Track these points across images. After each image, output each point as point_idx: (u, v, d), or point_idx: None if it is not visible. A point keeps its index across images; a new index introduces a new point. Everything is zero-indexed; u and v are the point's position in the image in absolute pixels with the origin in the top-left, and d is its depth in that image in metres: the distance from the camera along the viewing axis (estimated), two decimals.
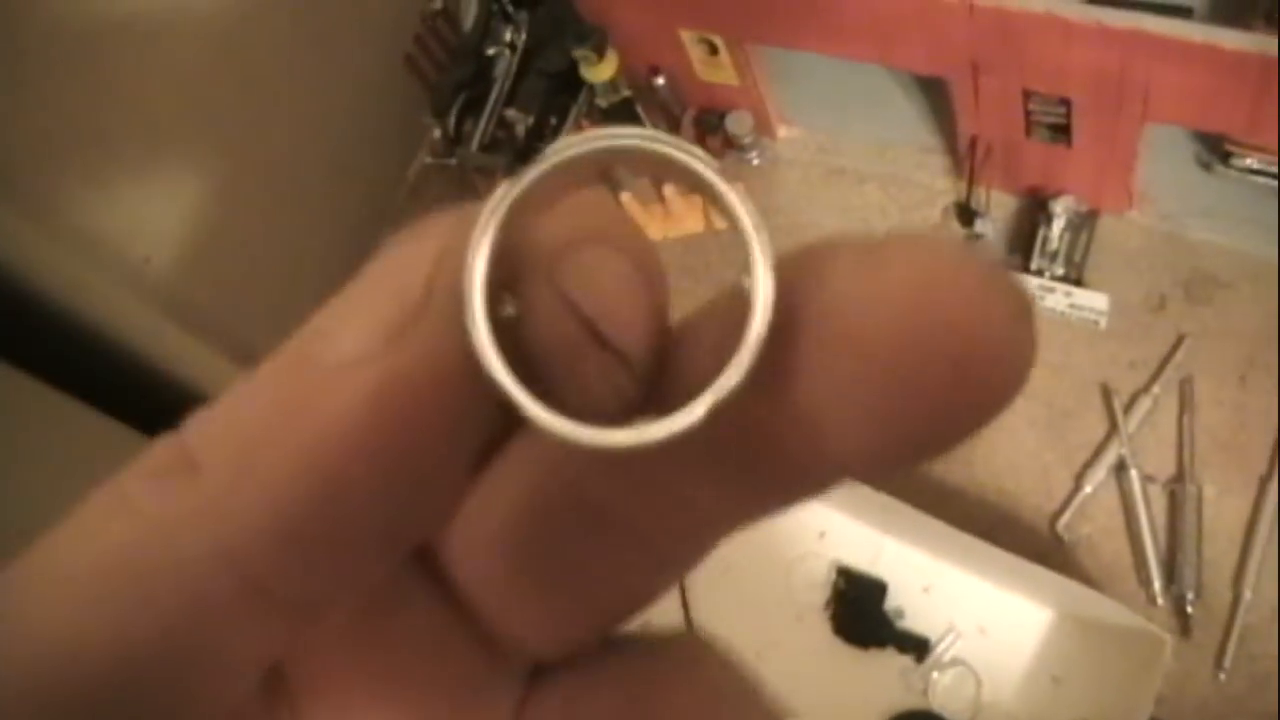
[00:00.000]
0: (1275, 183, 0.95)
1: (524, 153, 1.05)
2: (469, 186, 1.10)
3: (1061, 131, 0.94)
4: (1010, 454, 0.98)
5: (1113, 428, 0.97)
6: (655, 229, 1.07)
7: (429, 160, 1.10)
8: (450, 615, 0.21)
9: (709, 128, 1.06)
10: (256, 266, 1.12)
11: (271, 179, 1.09)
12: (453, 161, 1.09)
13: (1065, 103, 0.90)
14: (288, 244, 1.13)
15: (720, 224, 1.07)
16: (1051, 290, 0.98)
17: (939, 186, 1.05)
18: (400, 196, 1.15)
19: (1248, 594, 0.93)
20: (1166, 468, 0.96)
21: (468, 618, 0.21)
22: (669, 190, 1.04)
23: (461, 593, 0.21)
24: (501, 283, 0.18)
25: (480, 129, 1.06)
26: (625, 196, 1.05)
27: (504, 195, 0.18)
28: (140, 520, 0.17)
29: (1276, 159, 0.93)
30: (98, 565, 0.17)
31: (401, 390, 0.17)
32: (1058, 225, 0.98)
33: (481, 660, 0.21)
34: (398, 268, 0.18)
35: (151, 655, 0.17)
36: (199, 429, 0.18)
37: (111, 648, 0.17)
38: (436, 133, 1.08)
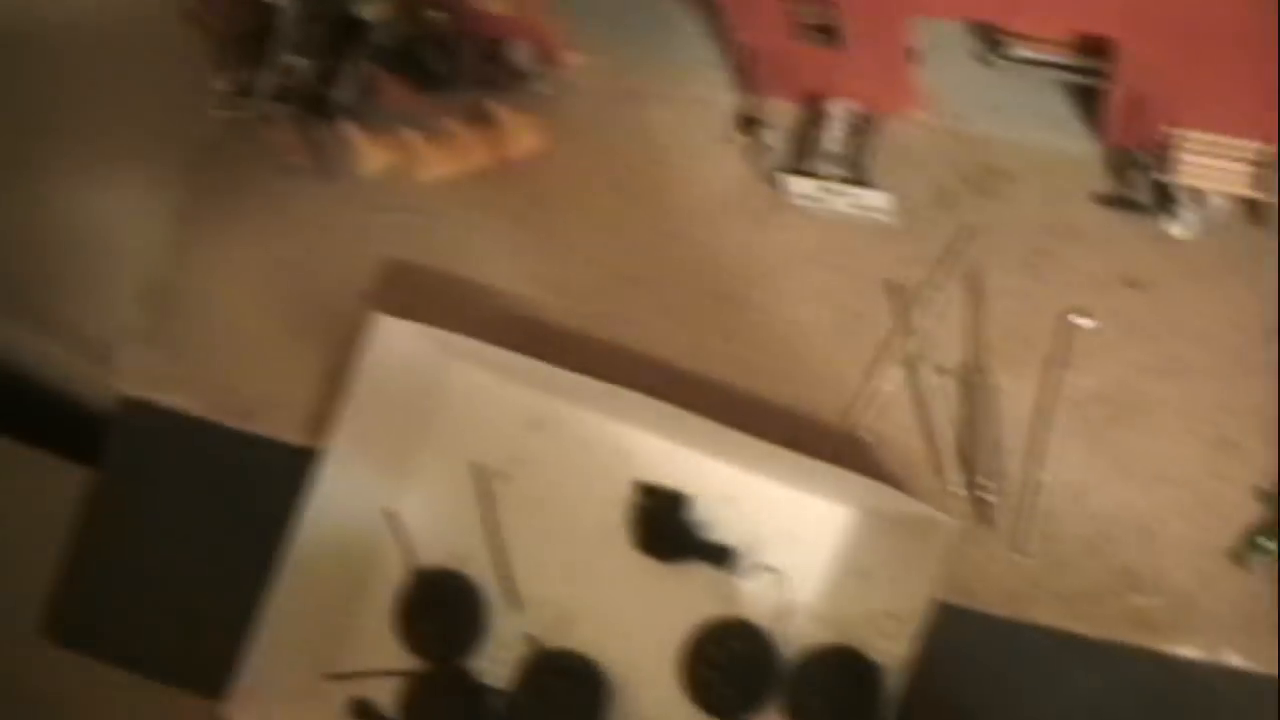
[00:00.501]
0: (1052, 73, 0.95)
1: (312, 100, 1.04)
2: (261, 138, 1.09)
3: (830, 34, 0.93)
4: (806, 358, 0.97)
5: (903, 323, 0.96)
6: (447, 164, 1.05)
7: (218, 113, 1.09)
8: None
9: (491, 60, 1.05)
10: (68, 235, 1.11)
11: (70, 147, 1.08)
12: (243, 114, 1.08)
13: (827, 2, 0.90)
14: (99, 215, 1.12)
15: (513, 156, 1.06)
16: (835, 193, 0.96)
17: (726, 101, 1.04)
18: (197, 152, 1.13)
19: (1043, 478, 0.92)
20: (958, 359, 0.95)
21: None
22: (458, 126, 1.03)
23: None
24: None
25: (265, 79, 1.05)
26: (412, 134, 1.03)
27: None
28: None
29: (1047, 47, 0.94)
30: None
31: None
32: (836, 128, 0.97)
33: None
34: None
35: None
36: None
37: None
38: (223, 85, 1.07)
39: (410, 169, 1.05)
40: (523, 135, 1.03)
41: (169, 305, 1.09)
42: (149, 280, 1.10)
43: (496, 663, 0.96)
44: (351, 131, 1.03)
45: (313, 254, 1.06)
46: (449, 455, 0.98)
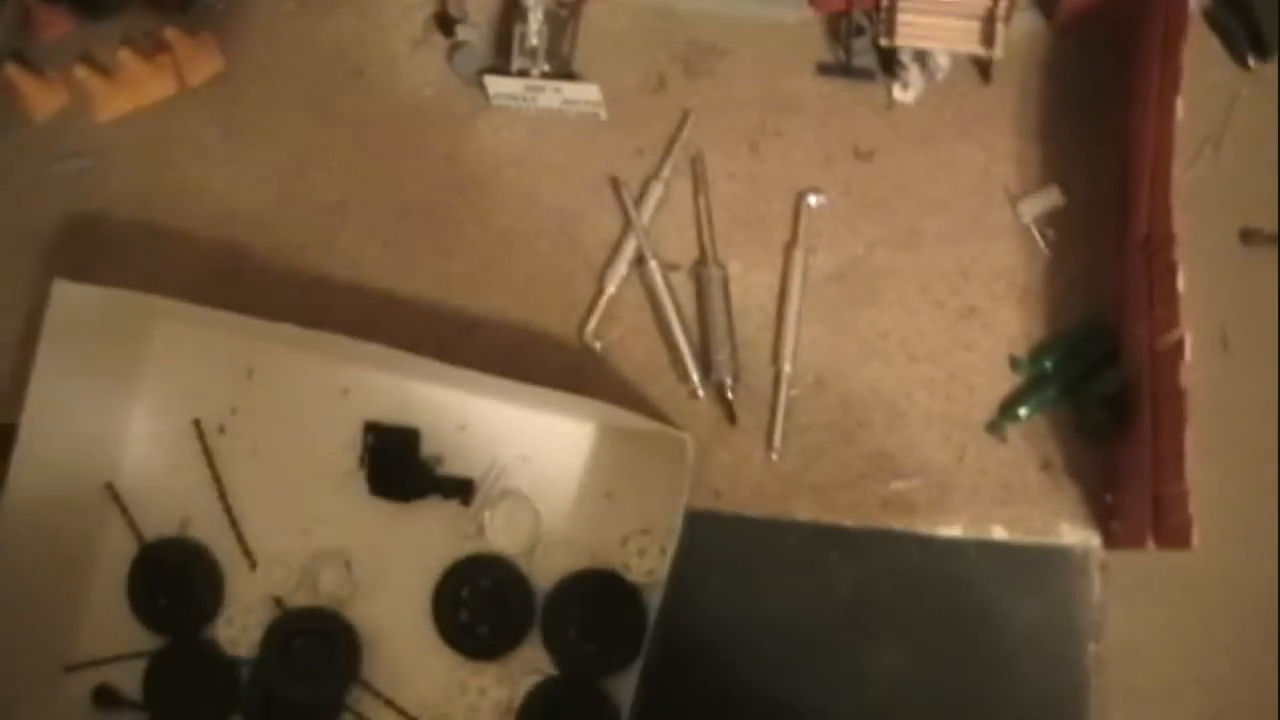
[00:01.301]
0: None
1: None
2: None
3: None
4: (528, 269, 0.89)
5: (627, 220, 0.90)
6: (125, 100, 0.95)
7: None
8: None
9: None
10: None
11: None
12: None
13: None
14: None
15: (193, 82, 0.97)
16: (541, 89, 0.89)
17: (412, 1, 0.97)
18: None
19: (787, 367, 0.86)
20: (689, 252, 0.88)
21: None
22: (128, 56, 0.93)
23: None
24: None
25: None
26: (81, 71, 0.93)
27: None
28: None
29: None
30: None
31: None
32: (534, 20, 0.88)
33: None
34: None
35: None
36: None
37: None
38: None
39: (85, 109, 0.95)
40: (199, 59, 0.93)
41: None
42: None
43: (241, 629, 0.88)
44: (14, 74, 0.93)
45: None
46: (164, 416, 0.89)
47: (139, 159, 0.92)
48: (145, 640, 0.87)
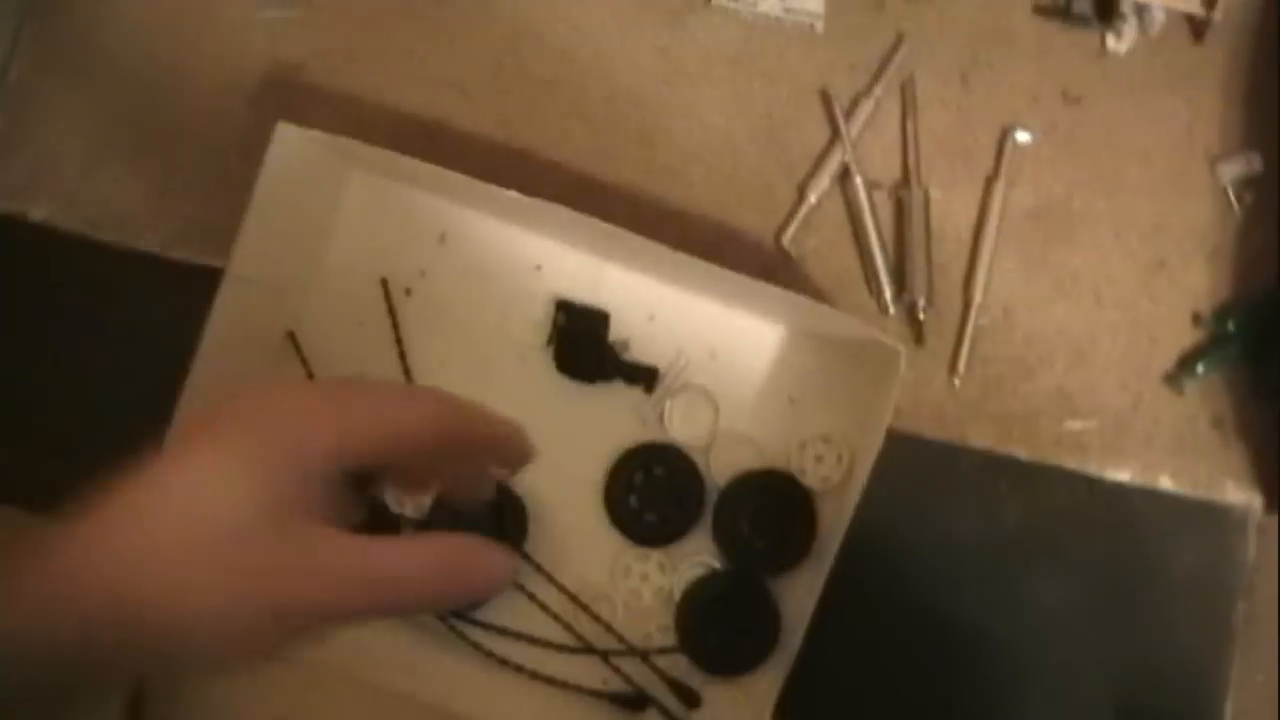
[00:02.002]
0: None
1: None
2: None
3: None
4: (731, 168, 0.90)
5: (835, 134, 0.91)
6: None
7: None
8: None
9: None
10: None
11: None
12: None
13: None
14: None
15: None
16: None
17: None
18: None
19: (978, 297, 0.87)
20: (891, 173, 0.89)
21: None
22: None
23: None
24: None
25: None
26: None
27: None
28: None
29: None
30: None
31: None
32: None
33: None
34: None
35: None
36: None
37: None
38: None
39: None
40: None
41: (21, 109, 0.98)
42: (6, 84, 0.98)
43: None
44: None
45: (190, 52, 0.94)
46: (352, 271, 0.89)
47: (347, 13, 0.92)
48: None
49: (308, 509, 0.51)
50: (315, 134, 0.79)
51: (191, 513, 0.49)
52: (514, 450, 0.63)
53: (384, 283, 0.87)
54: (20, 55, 0.95)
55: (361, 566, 0.52)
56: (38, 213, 0.93)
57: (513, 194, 0.76)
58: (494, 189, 0.77)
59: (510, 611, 0.85)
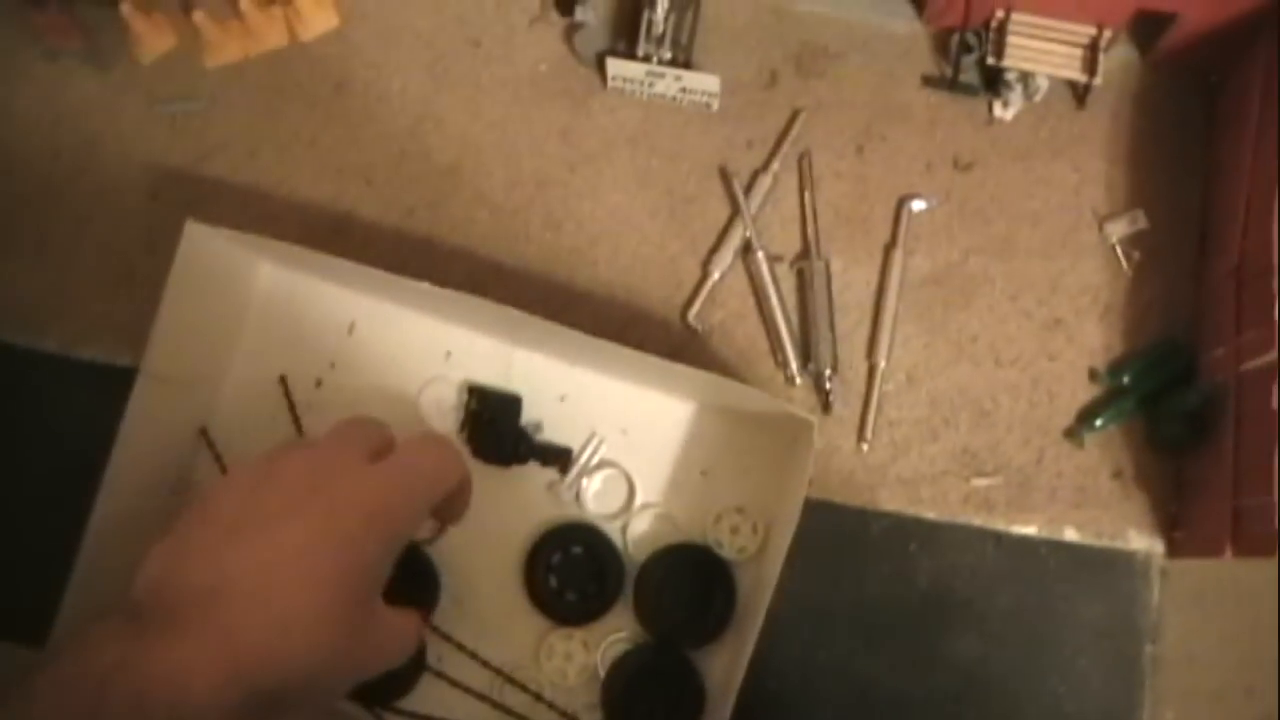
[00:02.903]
0: None
1: None
2: (21, 20, 0.97)
3: None
4: (635, 248, 0.92)
5: (735, 210, 0.93)
6: (236, 48, 0.96)
7: None
8: None
9: None
10: None
11: None
12: None
13: None
14: None
15: (305, 36, 0.98)
16: (661, 76, 0.91)
17: None
18: None
19: (882, 363, 0.90)
20: (792, 246, 0.91)
21: None
22: (246, 4, 0.94)
23: None
24: None
25: None
26: (199, 15, 0.94)
27: None
28: None
29: None
30: None
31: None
32: (661, 7, 0.91)
33: None
34: None
35: None
36: None
37: None
38: None
39: (195, 53, 0.95)
40: (314, 14, 0.94)
41: None
42: None
43: None
44: (128, 13, 0.93)
45: (91, 150, 0.95)
46: (262, 364, 0.89)
47: (247, 107, 0.93)
48: None
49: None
50: (224, 231, 0.80)
51: None
52: (466, 498, 0.74)
53: (283, 380, 0.88)
54: None
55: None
56: None
57: (421, 284, 0.77)
58: (402, 280, 0.78)
59: (434, 699, 0.85)
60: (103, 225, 0.91)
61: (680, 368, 0.76)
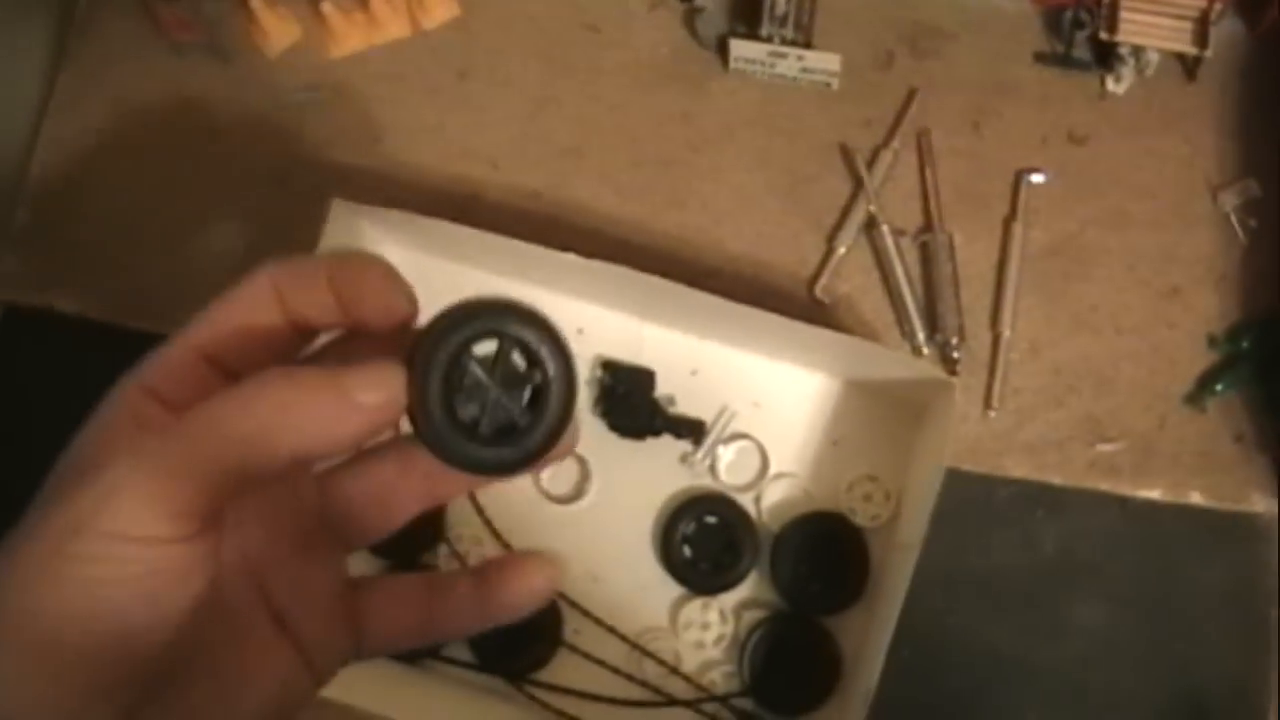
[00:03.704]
0: None
1: None
2: (148, 15, 1.00)
3: None
4: (759, 225, 0.94)
5: (857, 186, 0.94)
6: (360, 38, 0.98)
7: None
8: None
9: None
10: None
11: None
12: None
13: None
14: None
15: (427, 25, 1.01)
16: (783, 56, 0.93)
17: None
18: (70, 38, 1.03)
19: (1006, 332, 0.92)
20: (913, 220, 0.94)
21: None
22: None
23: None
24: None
25: None
26: (327, 6, 0.97)
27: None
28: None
29: None
30: None
31: (378, 420, 0.39)
32: None
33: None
34: (385, 371, 0.40)
35: None
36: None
37: None
38: None
39: (319, 44, 0.98)
40: (435, 4, 0.97)
41: (47, 202, 1.00)
42: (31, 179, 1.00)
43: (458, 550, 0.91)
44: (257, 6, 0.95)
45: (217, 139, 0.98)
46: None
47: (372, 95, 0.95)
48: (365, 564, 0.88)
49: None
50: (367, 209, 0.82)
51: None
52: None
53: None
54: (43, 149, 0.96)
55: None
56: (67, 304, 0.94)
57: (562, 255, 0.79)
58: (539, 250, 0.80)
59: (570, 671, 0.88)
60: (230, 213, 0.92)
61: (817, 330, 0.79)
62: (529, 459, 0.42)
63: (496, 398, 0.42)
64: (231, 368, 0.43)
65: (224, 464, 0.37)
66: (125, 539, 0.36)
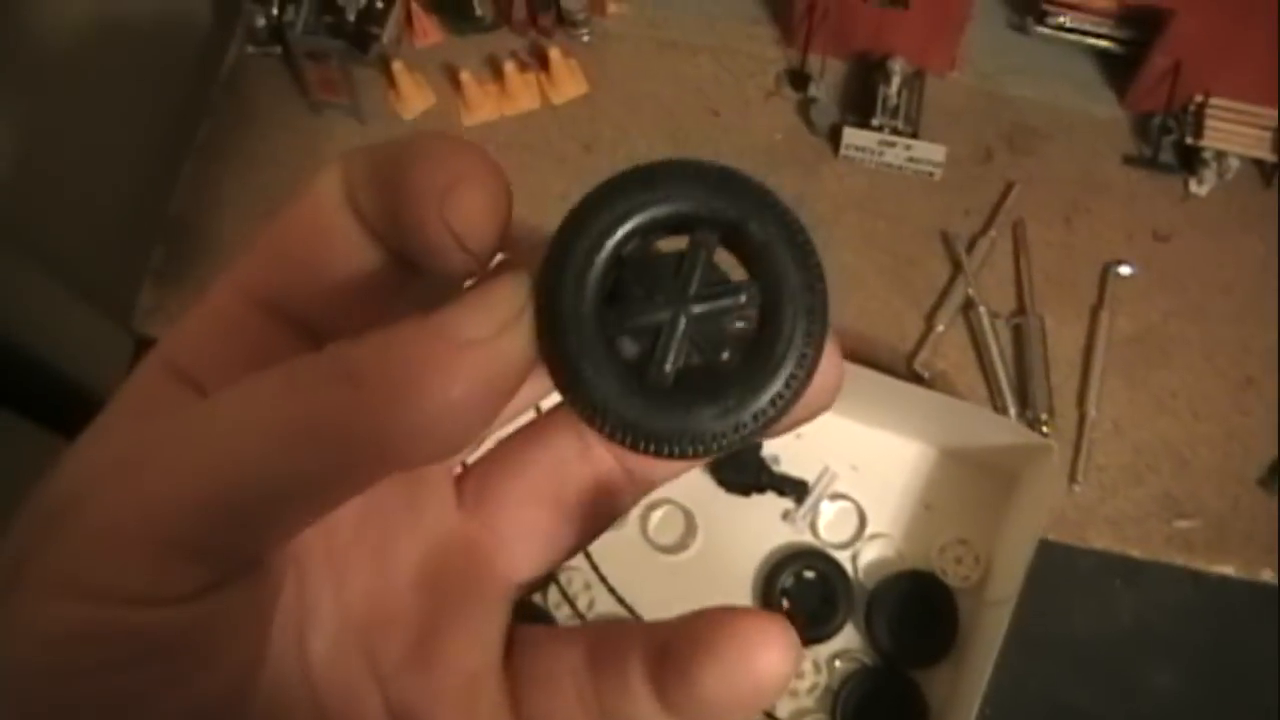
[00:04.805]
0: (1081, 39, 1.04)
1: (355, 36, 1.04)
2: (296, 73, 1.07)
3: None
4: (863, 302, 1.01)
5: (956, 270, 1.01)
6: (492, 107, 1.06)
7: (250, 49, 1.07)
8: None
9: (541, 6, 1.06)
10: (73, 185, 1.05)
11: (73, 87, 1.03)
12: (277, 50, 1.07)
13: None
14: (100, 154, 1.07)
15: (556, 100, 1.08)
16: (892, 145, 1.01)
17: (769, 55, 1.05)
18: (215, 90, 1.11)
19: (1092, 411, 0.99)
20: (1007, 304, 1.02)
21: None
22: (508, 68, 1.05)
23: None
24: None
25: (304, 12, 1.04)
26: (465, 75, 1.05)
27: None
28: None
29: (1089, 17, 1.02)
30: None
31: (498, 365, 0.26)
32: (895, 82, 1.02)
33: None
34: (502, 288, 0.27)
35: None
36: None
37: None
38: (260, 20, 1.05)
39: (452, 111, 1.05)
40: (566, 80, 1.04)
41: (183, 242, 1.06)
42: (169, 219, 1.07)
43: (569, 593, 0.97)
44: (398, 70, 1.03)
45: None
46: None
47: (501, 161, 1.02)
48: None
49: None
50: None
51: None
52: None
53: None
54: (182, 190, 1.03)
55: None
56: None
57: None
58: None
59: None
60: None
61: (919, 389, 0.85)
62: (752, 426, 0.27)
63: (692, 324, 0.28)
64: (300, 316, 0.29)
65: (241, 482, 0.25)
66: (97, 599, 0.24)
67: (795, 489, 0.92)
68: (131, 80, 0.99)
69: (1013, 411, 0.93)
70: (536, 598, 0.93)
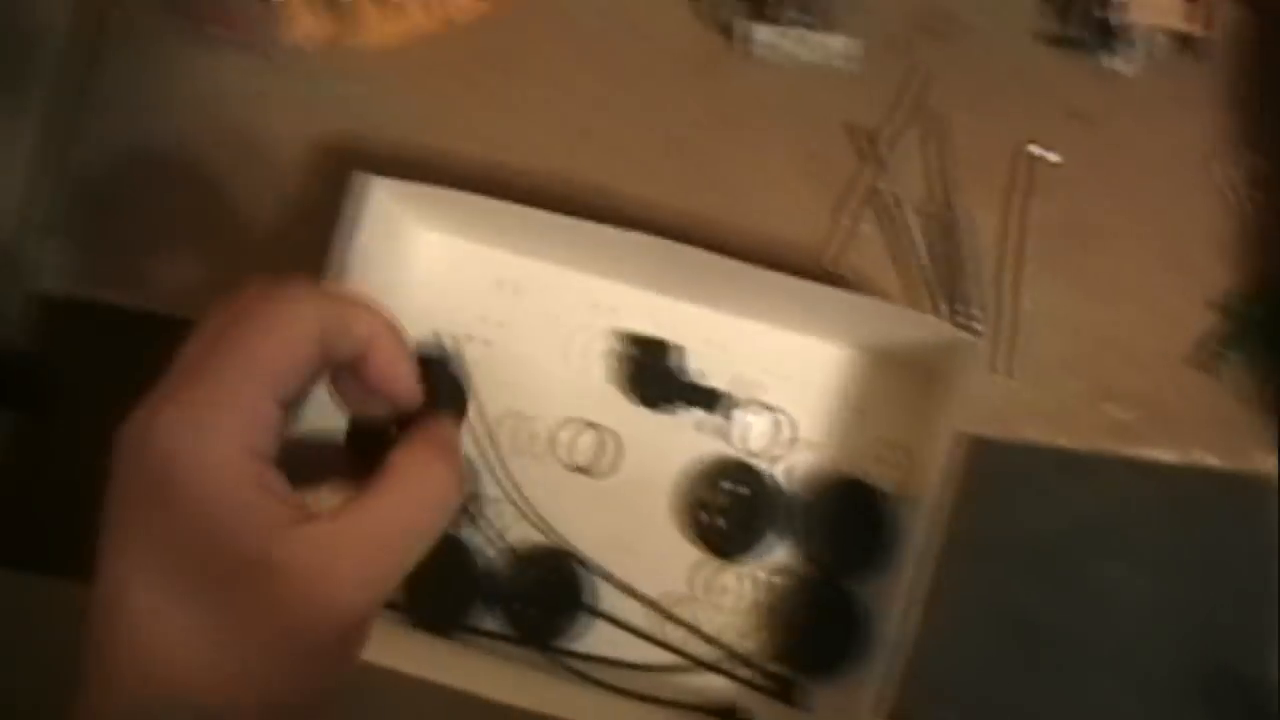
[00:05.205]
0: None
1: None
2: (179, 10, 1.04)
3: None
4: (777, 205, 0.97)
5: (869, 164, 0.99)
6: (391, 30, 1.00)
7: None
8: None
9: None
10: None
11: None
12: None
13: None
14: None
15: (459, 18, 1.05)
16: (803, 40, 0.97)
17: None
18: (105, 38, 1.08)
19: (1023, 302, 0.96)
20: (925, 198, 0.98)
21: None
22: None
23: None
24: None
25: None
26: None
27: None
28: None
29: None
30: None
31: None
32: None
33: None
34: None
35: None
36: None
37: None
38: None
39: (348, 36, 1.02)
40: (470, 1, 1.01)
41: (86, 198, 1.03)
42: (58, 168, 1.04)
43: (490, 534, 0.94)
44: (298, 2, 0.99)
45: (249, 130, 1.01)
46: (417, 322, 0.95)
47: (400, 85, 0.98)
48: None
49: None
50: (392, 182, 0.85)
51: None
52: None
53: (448, 334, 0.92)
54: (82, 145, 1.01)
55: None
56: (111, 295, 0.99)
57: (582, 223, 0.83)
58: (561, 219, 0.82)
59: (595, 638, 0.91)
60: (267, 205, 0.96)
61: (840, 293, 0.81)
62: None
63: None
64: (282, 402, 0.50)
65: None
66: None
67: (714, 400, 0.89)
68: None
69: (944, 308, 0.89)
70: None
